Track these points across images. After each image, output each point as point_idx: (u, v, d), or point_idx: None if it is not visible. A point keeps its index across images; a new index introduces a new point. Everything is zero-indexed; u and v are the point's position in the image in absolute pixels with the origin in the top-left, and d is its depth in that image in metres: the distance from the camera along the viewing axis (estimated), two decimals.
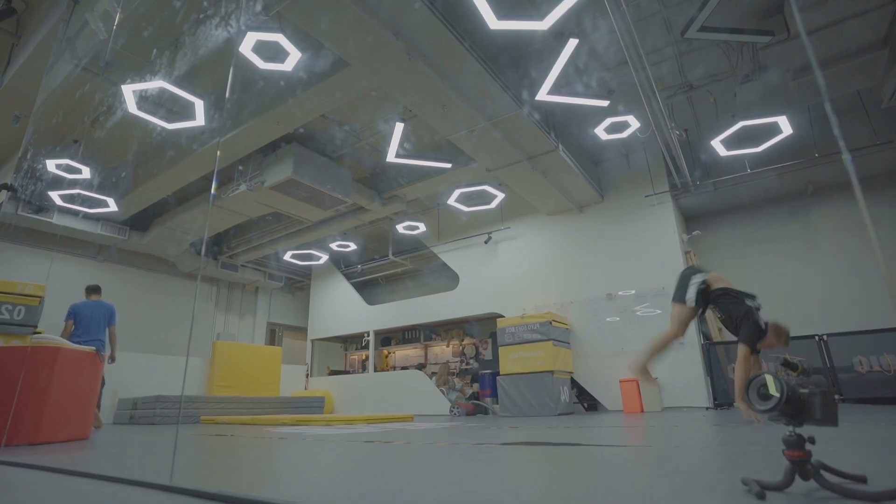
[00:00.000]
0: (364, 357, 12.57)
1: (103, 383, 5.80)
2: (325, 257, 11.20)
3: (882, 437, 2.37)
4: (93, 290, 5.77)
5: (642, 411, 6.88)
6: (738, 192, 8.26)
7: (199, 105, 5.67)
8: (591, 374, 8.03)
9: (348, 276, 12.37)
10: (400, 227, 9.40)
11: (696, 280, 3.70)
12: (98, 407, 6.12)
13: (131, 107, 5.48)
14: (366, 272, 12.41)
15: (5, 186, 5.98)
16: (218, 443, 3.48)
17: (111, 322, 5.59)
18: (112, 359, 5.47)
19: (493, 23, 4.30)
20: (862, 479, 1.17)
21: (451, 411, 8.52)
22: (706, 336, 7.75)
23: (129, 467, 2.22)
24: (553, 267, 8.94)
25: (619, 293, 8.03)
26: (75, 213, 8.94)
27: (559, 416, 6.49)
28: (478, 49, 5.27)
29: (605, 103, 5.94)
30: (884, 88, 5.88)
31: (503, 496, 1.30)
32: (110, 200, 7.73)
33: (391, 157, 7.06)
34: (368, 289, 13.13)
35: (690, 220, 9.16)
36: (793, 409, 1.15)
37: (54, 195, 7.53)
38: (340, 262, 12.52)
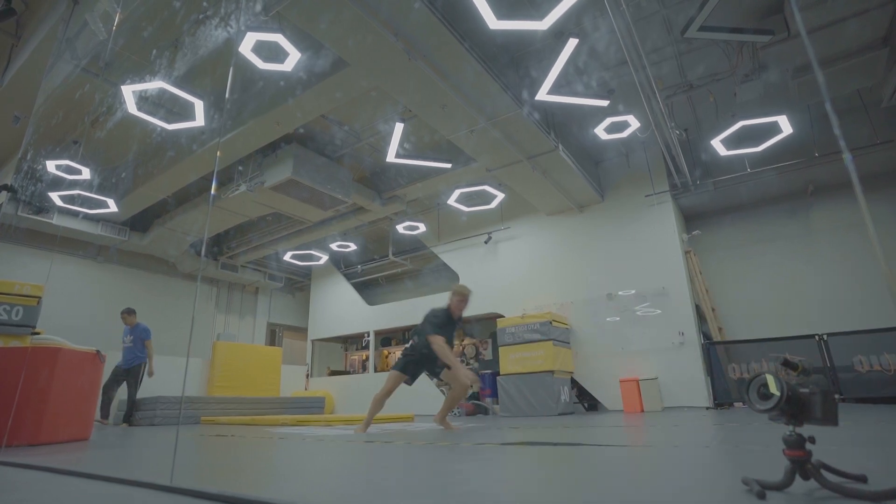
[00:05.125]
0: (364, 357, 12.57)
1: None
2: (325, 258, 11.20)
3: (882, 437, 2.37)
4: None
5: (642, 411, 6.88)
6: (738, 192, 8.26)
7: (198, 105, 5.67)
8: (591, 373, 8.03)
9: (348, 277, 12.36)
10: (400, 228, 9.40)
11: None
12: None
13: (131, 107, 5.49)
14: (366, 272, 12.41)
15: (5, 187, 5.96)
16: (218, 443, 3.48)
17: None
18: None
19: (493, 23, 4.31)
20: (862, 479, 1.17)
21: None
22: (706, 336, 7.74)
23: (130, 468, 2.22)
24: (553, 267, 8.94)
25: (620, 293, 8.03)
26: (75, 214, 8.95)
27: (559, 416, 6.48)
28: (478, 49, 5.27)
29: (605, 103, 5.94)
30: (884, 88, 5.88)
31: (503, 496, 1.30)
32: (110, 201, 7.74)
33: (391, 158, 7.06)
34: (368, 289, 13.12)
35: (690, 219, 9.16)
36: (793, 408, 1.15)
37: (54, 196, 7.54)
38: (340, 263, 12.52)
